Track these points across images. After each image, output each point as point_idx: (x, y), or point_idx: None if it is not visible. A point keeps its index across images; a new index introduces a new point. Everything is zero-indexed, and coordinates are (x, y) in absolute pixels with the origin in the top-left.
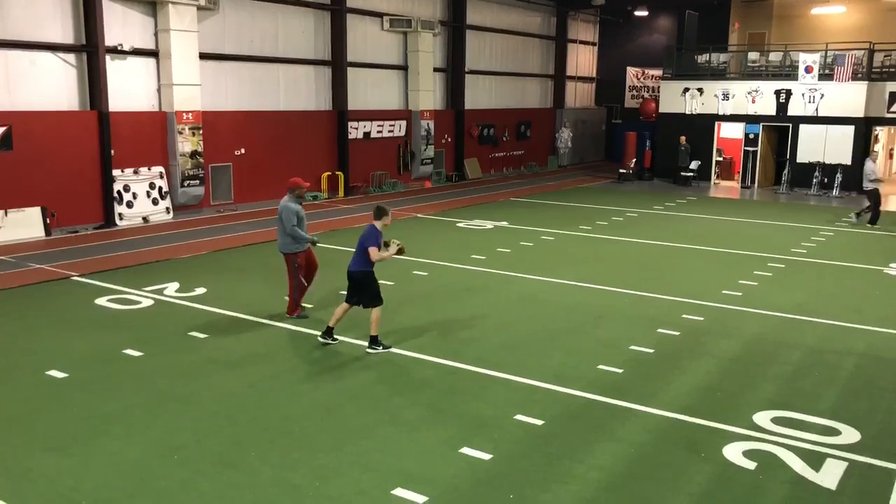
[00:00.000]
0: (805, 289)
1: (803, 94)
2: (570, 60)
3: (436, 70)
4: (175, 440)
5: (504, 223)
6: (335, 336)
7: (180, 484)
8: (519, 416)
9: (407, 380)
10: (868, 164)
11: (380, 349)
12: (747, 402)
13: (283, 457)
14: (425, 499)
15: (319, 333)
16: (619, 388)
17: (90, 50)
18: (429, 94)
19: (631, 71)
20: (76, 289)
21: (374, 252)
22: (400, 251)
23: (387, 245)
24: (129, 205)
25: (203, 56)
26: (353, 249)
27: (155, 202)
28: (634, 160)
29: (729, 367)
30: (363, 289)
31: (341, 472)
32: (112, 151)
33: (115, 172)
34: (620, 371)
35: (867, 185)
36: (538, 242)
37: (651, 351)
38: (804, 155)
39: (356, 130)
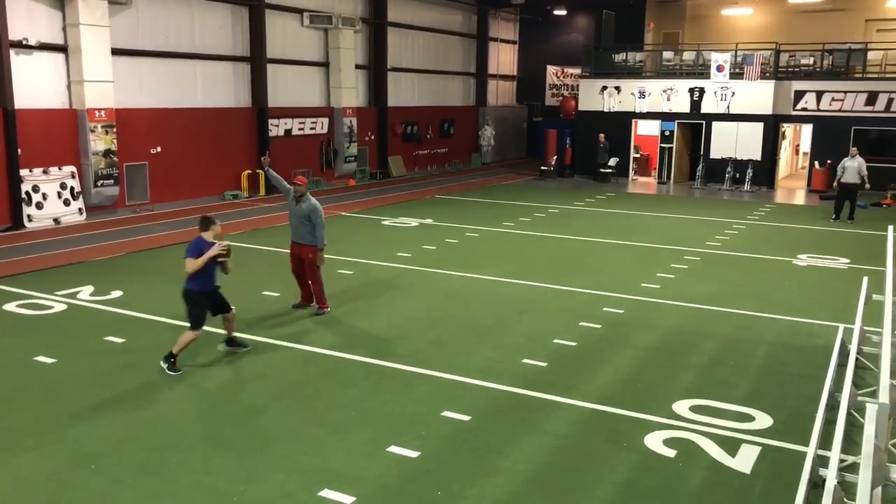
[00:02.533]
0: (719, 280)
1: (715, 93)
2: (491, 59)
3: (358, 67)
4: (91, 449)
5: (429, 220)
6: (243, 343)
7: (98, 494)
8: (446, 413)
9: (332, 380)
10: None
11: (166, 364)
12: (666, 392)
13: (205, 461)
14: (353, 499)
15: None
16: (543, 381)
17: None
18: (351, 92)
19: (551, 69)
20: None
21: (189, 263)
22: (222, 254)
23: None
24: (39, 206)
25: (116, 52)
26: (270, 249)
27: (66, 203)
28: (555, 157)
29: (649, 357)
30: (220, 295)
31: (266, 474)
32: (19, 150)
33: (23, 172)
34: (545, 364)
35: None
36: (463, 239)
37: (574, 344)
38: (717, 151)
39: (277, 128)
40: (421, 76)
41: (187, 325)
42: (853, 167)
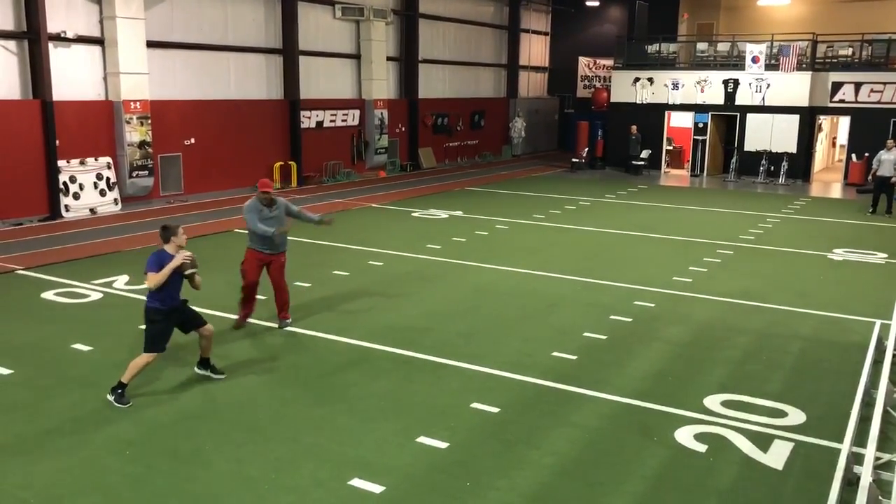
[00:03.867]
0: (752, 274)
1: (750, 84)
2: (522, 50)
3: (389, 59)
4: (126, 435)
5: (459, 213)
6: (219, 370)
7: (133, 479)
8: (475, 405)
9: (362, 370)
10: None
11: (112, 397)
12: (698, 387)
13: (238, 449)
14: (382, 488)
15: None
16: (573, 374)
17: (32, 37)
18: (382, 84)
19: (583, 61)
20: (21, 282)
21: (150, 277)
22: (185, 265)
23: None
24: (76, 196)
25: (150, 44)
26: (302, 240)
27: (102, 193)
28: (587, 149)
29: (680, 352)
30: (190, 310)
31: (297, 463)
32: (57, 141)
33: (61, 163)
34: (574, 358)
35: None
36: (493, 231)
37: (604, 337)
38: (751, 143)
39: (308, 120)
40: (452, 68)
41: (222, 315)
42: (889, 160)
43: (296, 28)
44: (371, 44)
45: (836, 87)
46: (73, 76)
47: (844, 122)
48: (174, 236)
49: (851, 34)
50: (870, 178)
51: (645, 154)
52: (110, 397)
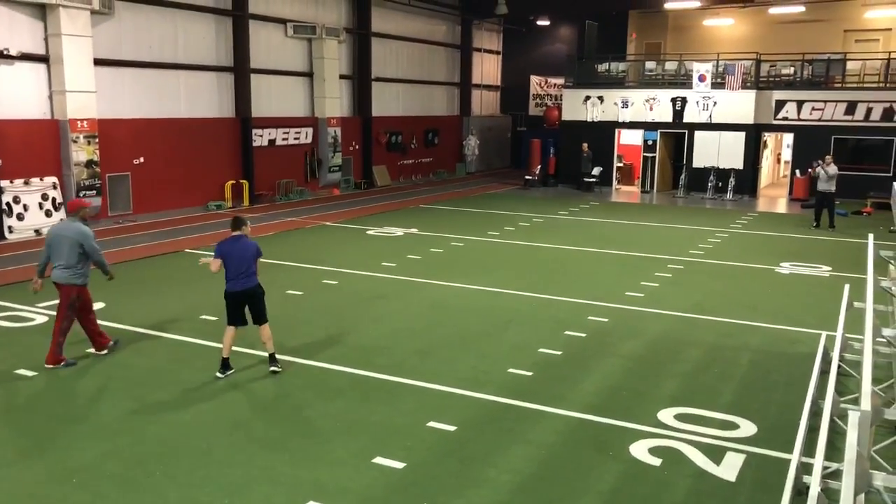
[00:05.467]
0: (703, 289)
1: (697, 102)
2: (475, 69)
3: (342, 77)
4: (73, 463)
5: (414, 230)
6: (231, 365)
7: None
8: (432, 423)
9: (318, 391)
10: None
11: (278, 367)
12: (652, 400)
13: (189, 474)
14: None
15: (218, 370)
16: (529, 390)
17: None
18: (335, 102)
19: (534, 79)
20: None
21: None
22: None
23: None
24: (20, 217)
25: (98, 62)
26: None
27: (48, 214)
28: (539, 167)
29: (633, 366)
30: (258, 304)
31: (251, 487)
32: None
33: (4, 183)
34: (530, 374)
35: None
36: (448, 249)
37: (559, 353)
38: (699, 160)
39: (261, 138)
40: (405, 86)
41: (173, 337)
42: (828, 175)
43: (247, 46)
44: (324, 62)
45: (780, 104)
46: (17, 94)
47: (788, 139)
48: (244, 225)
49: (793, 54)
50: (810, 170)
51: (596, 171)
52: (276, 369)
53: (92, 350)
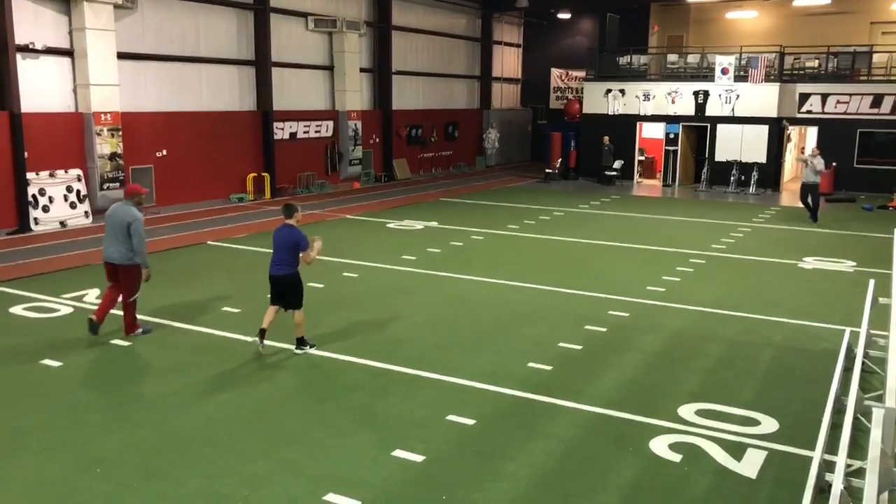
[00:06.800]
0: (724, 284)
1: (720, 95)
2: (495, 62)
3: (363, 70)
4: (97, 452)
5: (434, 223)
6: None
7: (103, 498)
8: (450, 417)
9: (337, 383)
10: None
11: (307, 348)
12: (672, 396)
13: (210, 465)
14: (357, 503)
15: (255, 338)
16: (548, 385)
17: None
18: (356, 95)
19: (555, 72)
20: None
21: (312, 253)
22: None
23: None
24: (45, 209)
25: (121, 56)
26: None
27: (73, 206)
28: (560, 160)
29: (654, 361)
30: (290, 292)
31: (271, 479)
32: (25, 154)
33: (30, 175)
34: (549, 368)
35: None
36: (468, 242)
37: (579, 347)
38: (722, 154)
39: (282, 131)
40: (425, 79)
41: (195, 328)
42: (815, 166)
43: (268, 40)
44: (344, 55)
45: (804, 97)
46: (42, 88)
47: (812, 133)
48: (297, 212)
49: (818, 47)
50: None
51: (617, 165)
52: (300, 351)
53: (118, 340)
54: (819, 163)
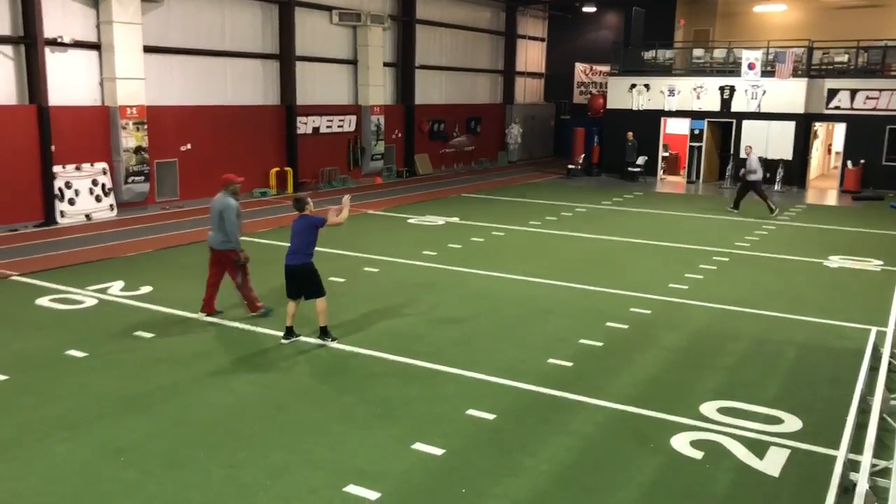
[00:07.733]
0: (748, 281)
1: (746, 91)
2: (519, 56)
3: (386, 65)
4: (120, 442)
5: (455, 219)
6: (296, 332)
7: (126, 486)
8: (471, 411)
9: (358, 376)
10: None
11: (329, 340)
12: (694, 393)
13: (232, 456)
14: (378, 495)
15: (282, 336)
16: (569, 381)
17: (28, 42)
18: (379, 89)
19: (579, 67)
20: (16, 289)
21: (331, 216)
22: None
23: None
24: (71, 202)
25: (147, 49)
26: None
27: (98, 199)
28: (583, 156)
29: (676, 358)
30: (306, 281)
31: (292, 470)
32: (52, 147)
33: (56, 168)
34: (570, 364)
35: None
36: (489, 238)
37: (600, 344)
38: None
39: (305, 125)
40: (448, 74)
41: (218, 321)
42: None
43: (293, 33)
44: (368, 49)
45: (832, 93)
46: (70, 81)
47: (840, 129)
48: (308, 205)
49: (847, 41)
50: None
51: (641, 161)
52: (323, 341)
53: (140, 332)
54: (753, 160)
